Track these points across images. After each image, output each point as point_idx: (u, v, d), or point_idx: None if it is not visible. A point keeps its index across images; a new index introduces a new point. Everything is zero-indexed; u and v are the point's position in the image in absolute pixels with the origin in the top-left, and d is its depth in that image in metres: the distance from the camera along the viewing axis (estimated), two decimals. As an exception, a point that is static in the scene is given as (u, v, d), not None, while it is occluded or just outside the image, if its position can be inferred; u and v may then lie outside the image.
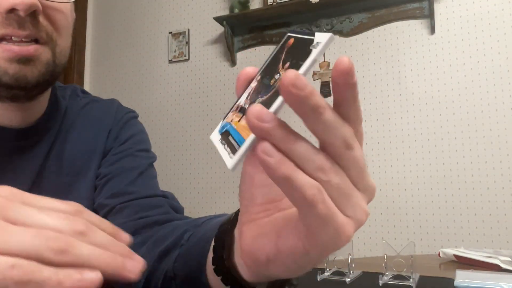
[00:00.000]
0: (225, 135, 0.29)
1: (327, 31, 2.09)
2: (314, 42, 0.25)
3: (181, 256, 0.45)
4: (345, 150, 0.24)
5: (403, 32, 1.96)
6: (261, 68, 0.29)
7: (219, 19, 2.21)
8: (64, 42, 0.54)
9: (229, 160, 0.26)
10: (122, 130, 0.65)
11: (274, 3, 2.13)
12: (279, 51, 0.28)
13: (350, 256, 0.69)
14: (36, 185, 0.56)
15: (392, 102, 1.94)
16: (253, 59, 2.23)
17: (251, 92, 0.29)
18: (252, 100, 0.28)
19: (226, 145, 0.28)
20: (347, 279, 0.68)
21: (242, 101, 0.29)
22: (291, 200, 0.25)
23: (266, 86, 0.27)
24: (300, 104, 0.23)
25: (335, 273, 0.70)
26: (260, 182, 0.29)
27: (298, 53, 0.26)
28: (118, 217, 0.57)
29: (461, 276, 0.66)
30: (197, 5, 2.41)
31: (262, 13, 2.13)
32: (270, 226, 0.29)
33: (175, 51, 2.43)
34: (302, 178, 0.24)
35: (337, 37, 2.08)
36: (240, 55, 2.28)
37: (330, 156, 0.25)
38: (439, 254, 0.91)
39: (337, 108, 0.25)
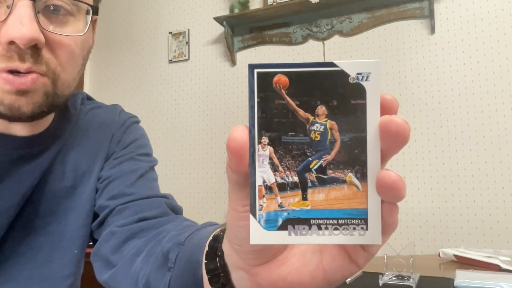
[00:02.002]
0: (295, 222, 0.23)
1: (327, 31, 2.09)
2: (353, 74, 0.21)
3: (177, 272, 0.45)
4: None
5: (403, 32, 1.96)
6: (256, 128, 0.22)
7: (219, 19, 2.21)
8: (67, 76, 0.52)
9: (364, 238, 0.23)
10: (124, 134, 0.66)
11: (274, 3, 2.13)
12: (268, 95, 0.22)
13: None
14: (40, 189, 0.56)
15: (392, 102, 1.94)
16: (253, 59, 2.23)
17: (276, 162, 0.22)
18: (298, 169, 0.22)
19: (303, 230, 0.22)
20: (347, 279, 0.68)
21: (269, 177, 0.22)
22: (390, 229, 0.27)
23: (300, 144, 0.22)
24: (389, 197, 0.24)
25: (335, 273, 0.70)
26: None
27: (327, 89, 0.21)
28: (117, 218, 0.58)
29: (461, 276, 0.66)
30: (197, 5, 2.41)
31: (262, 13, 2.13)
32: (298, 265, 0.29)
33: (175, 51, 2.43)
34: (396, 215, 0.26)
35: (337, 37, 2.08)
36: (240, 55, 2.28)
37: None
38: (439, 254, 0.91)
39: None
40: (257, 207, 0.22)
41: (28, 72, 0.47)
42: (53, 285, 0.56)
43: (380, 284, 0.65)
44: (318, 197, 0.22)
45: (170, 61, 2.44)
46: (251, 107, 0.22)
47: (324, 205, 0.22)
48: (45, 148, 0.58)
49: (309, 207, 0.22)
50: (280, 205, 0.22)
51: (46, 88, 0.49)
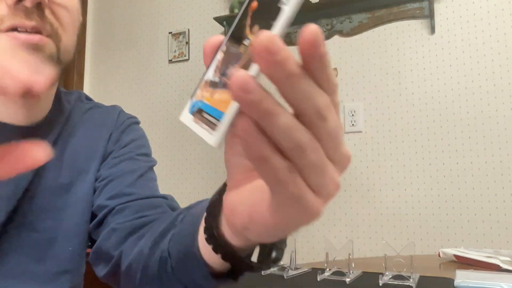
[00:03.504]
0: (199, 113, 0.27)
1: (327, 31, 2.09)
2: None
3: (175, 235, 0.46)
4: (321, 122, 0.23)
5: (403, 32, 1.96)
6: (226, 37, 0.27)
7: (219, 19, 2.21)
8: (68, 39, 0.55)
9: (211, 137, 0.25)
10: (123, 134, 0.66)
11: (274, 3, 2.13)
12: (242, 16, 0.25)
13: (350, 256, 0.69)
14: (35, 184, 0.56)
15: (392, 102, 1.94)
16: (253, 59, 2.22)
17: (219, 64, 0.26)
18: (222, 73, 0.26)
19: (202, 123, 0.26)
20: (347, 279, 0.68)
21: (210, 75, 0.27)
22: (261, 178, 0.24)
23: (235, 55, 0.25)
24: (275, 70, 0.21)
25: (335, 273, 0.70)
26: (240, 151, 0.28)
27: (266, 13, 0.23)
28: (117, 217, 0.58)
29: (461, 276, 0.66)
30: (197, 5, 2.41)
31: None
32: (248, 195, 0.29)
33: (175, 51, 2.43)
34: (275, 160, 0.23)
35: (337, 37, 2.08)
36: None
37: (306, 127, 0.23)
38: (439, 254, 0.91)
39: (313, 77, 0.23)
40: (192, 94, 0.28)
41: (35, 32, 0.50)
42: (47, 281, 0.56)
43: (380, 284, 0.65)
44: (217, 96, 0.26)
45: (170, 61, 2.44)
46: (232, 24, 0.26)
47: (215, 103, 0.26)
48: (40, 139, 0.58)
49: (208, 103, 0.26)
50: (201, 97, 0.27)
51: (51, 50, 0.52)
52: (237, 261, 0.35)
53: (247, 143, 0.23)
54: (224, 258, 0.35)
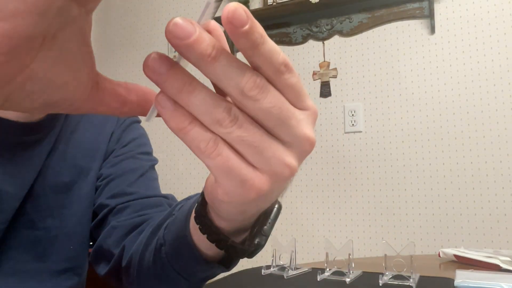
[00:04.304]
0: None
1: (327, 31, 2.09)
2: None
3: (171, 222, 0.46)
4: (248, 101, 0.24)
5: (403, 32, 1.97)
6: None
7: (219, 19, 2.20)
8: None
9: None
10: (124, 133, 0.66)
11: (274, 3, 2.13)
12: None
13: (350, 256, 0.69)
14: (38, 183, 0.56)
15: (392, 102, 1.94)
16: (253, 59, 2.23)
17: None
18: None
19: None
20: (347, 279, 0.68)
21: None
22: (192, 151, 0.25)
23: None
24: (186, 52, 0.22)
25: (335, 273, 0.70)
26: None
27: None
28: (118, 216, 0.58)
29: (461, 276, 0.66)
30: (197, 5, 2.41)
31: (262, 13, 2.13)
32: None
33: (175, 51, 2.42)
34: (195, 131, 0.24)
35: (337, 37, 2.08)
36: (240, 55, 2.27)
37: (237, 105, 0.24)
38: (439, 254, 0.91)
39: (247, 58, 0.24)
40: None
41: None
42: (49, 279, 0.56)
43: (380, 284, 0.65)
44: None
45: (170, 61, 2.44)
46: None
47: None
48: (42, 136, 0.58)
49: None
50: None
51: None
52: (222, 243, 0.35)
53: (163, 116, 0.24)
54: (209, 238, 0.35)
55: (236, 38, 0.23)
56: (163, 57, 0.23)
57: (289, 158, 0.26)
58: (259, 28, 0.23)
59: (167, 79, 0.23)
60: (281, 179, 0.26)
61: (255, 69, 0.24)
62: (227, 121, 0.23)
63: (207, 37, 0.22)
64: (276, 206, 0.37)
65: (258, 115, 0.24)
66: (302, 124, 0.26)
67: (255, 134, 0.24)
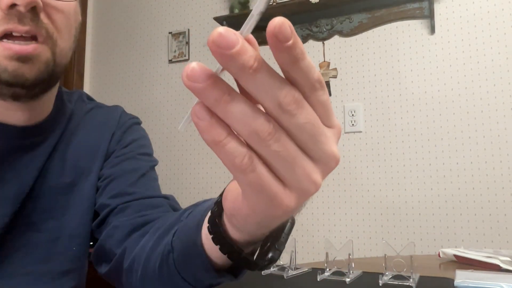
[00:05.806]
0: None
1: (327, 31, 2.09)
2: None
3: (180, 228, 0.45)
4: (285, 115, 0.23)
5: (403, 32, 1.96)
6: None
7: (219, 19, 2.21)
8: (64, 43, 0.54)
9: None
10: (125, 134, 0.67)
11: (274, 3, 2.13)
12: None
13: (350, 256, 0.69)
14: (38, 184, 0.56)
15: (392, 102, 1.94)
16: (253, 59, 2.22)
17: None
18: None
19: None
20: (347, 279, 0.68)
21: None
22: (224, 165, 0.25)
23: None
24: (228, 63, 0.22)
25: (335, 273, 0.70)
26: None
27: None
28: (119, 216, 0.58)
29: (461, 276, 0.66)
30: (197, 5, 2.41)
31: (262, 13, 2.13)
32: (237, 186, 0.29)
33: (175, 51, 2.43)
34: (231, 145, 0.23)
35: (337, 37, 2.08)
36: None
37: (273, 119, 0.24)
38: (439, 254, 0.91)
39: (284, 72, 0.24)
40: None
41: (30, 36, 0.49)
42: (51, 281, 0.56)
43: (380, 284, 0.65)
44: None
45: (170, 61, 2.44)
46: None
47: None
48: (42, 139, 0.58)
49: None
50: None
51: (46, 56, 0.51)
52: (235, 255, 0.35)
53: (198, 128, 0.24)
54: (222, 250, 0.35)
55: (278, 51, 0.22)
56: (202, 67, 0.23)
57: (316, 175, 0.26)
58: (300, 44, 0.23)
59: (205, 89, 0.23)
60: (307, 196, 0.26)
61: (292, 84, 0.24)
62: (266, 133, 0.23)
63: (250, 48, 0.22)
64: (290, 220, 0.36)
65: (292, 130, 0.24)
66: (330, 141, 0.25)
67: (290, 149, 0.24)
